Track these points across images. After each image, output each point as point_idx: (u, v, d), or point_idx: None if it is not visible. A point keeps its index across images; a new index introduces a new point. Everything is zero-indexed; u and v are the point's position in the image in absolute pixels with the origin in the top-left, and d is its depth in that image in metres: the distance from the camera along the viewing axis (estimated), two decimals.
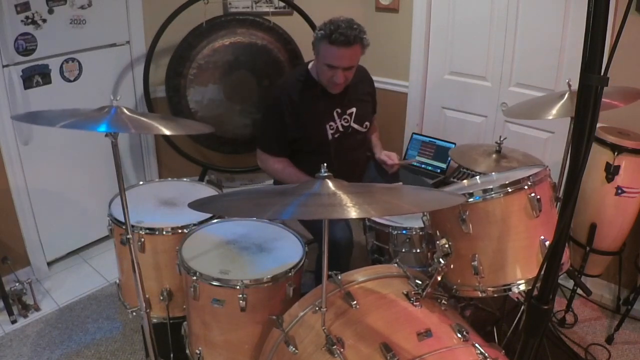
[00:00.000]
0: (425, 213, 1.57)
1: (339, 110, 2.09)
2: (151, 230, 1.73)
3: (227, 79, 2.90)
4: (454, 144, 2.76)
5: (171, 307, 1.82)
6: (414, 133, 3.01)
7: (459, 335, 1.24)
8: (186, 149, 3.04)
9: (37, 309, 2.40)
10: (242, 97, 2.97)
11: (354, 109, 2.12)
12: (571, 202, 0.92)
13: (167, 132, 1.49)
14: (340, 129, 2.10)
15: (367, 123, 2.18)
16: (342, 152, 2.11)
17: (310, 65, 2.10)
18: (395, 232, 1.87)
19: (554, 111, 1.82)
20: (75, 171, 2.73)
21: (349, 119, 2.12)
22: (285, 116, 2.01)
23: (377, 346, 1.20)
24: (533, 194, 1.39)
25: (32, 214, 2.54)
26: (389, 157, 2.18)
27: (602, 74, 0.85)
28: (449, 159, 2.75)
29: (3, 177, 2.40)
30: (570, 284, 2.41)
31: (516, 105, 2.09)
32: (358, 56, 1.95)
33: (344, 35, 1.83)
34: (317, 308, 1.34)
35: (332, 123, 2.08)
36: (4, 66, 2.29)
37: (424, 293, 1.36)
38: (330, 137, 2.09)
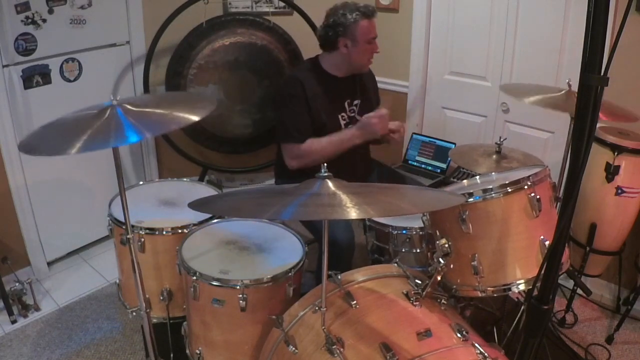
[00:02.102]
0: (425, 213, 1.57)
1: (349, 101, 2.15)
2: (151, 230, 1.73)
3: (227, 79, 2.91)
4: (454, 144, 2.76)
5: (171, 307, 1.82)
6: (414, 133, 3.01)
7: (459, 335, 1.24)
8: (186, 149, 3.04)
9: (37, 309, 2.40)
10: (242, 97, 2.97)
11: (359, 101, 2.18)
12: (571, 202, 0.92)
13: (195, 118, 1.35)
14: (348, 120, 2.14)
15: None
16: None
17: (321, 58, 2.13)
18: (395, 232, 1.87)
19: (541, 98, 1.91)
20: (75, 171, 2.73)
21: (355, 109, 2.17)
22: (307, 101, 2.03)
23: (377, 346, 1.20)
24: (533, 194, 1.39)
25: (32, 214, 2.55)
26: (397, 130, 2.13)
27: (602, 74, 0.85)
28: (449, 159, 2.75)
29: (3, 177, 2.40)
30: (570, 284, 2.41)
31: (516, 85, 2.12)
32: None
33: (370, 6, 2.03)
34: (316, 308, 1.34)
35: (343, 114, 2.13)
36: (4, 66, 2.29)
37: (424, 293, 1.36)
38: (342, 128, 2.12)
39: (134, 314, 1.85)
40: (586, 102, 0.87)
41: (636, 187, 2.04)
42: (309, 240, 2.01)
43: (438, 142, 2.87)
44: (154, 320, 1.81)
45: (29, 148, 1.29)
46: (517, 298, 2.24)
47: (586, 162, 0.89)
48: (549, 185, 1.50)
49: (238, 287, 1.46)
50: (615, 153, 2.02)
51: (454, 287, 1.50)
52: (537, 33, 2.47)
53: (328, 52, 2.10)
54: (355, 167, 2.19)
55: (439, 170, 2.82)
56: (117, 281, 1.98)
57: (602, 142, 2.06)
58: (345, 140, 2.02)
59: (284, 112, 2.06)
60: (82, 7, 2.53)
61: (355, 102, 2.17)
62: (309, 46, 2.92)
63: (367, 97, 2.23)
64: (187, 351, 1.71)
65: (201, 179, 3.07)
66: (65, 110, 1.48)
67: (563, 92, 1.94)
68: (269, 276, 1.49)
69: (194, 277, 1.50)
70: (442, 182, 2.72)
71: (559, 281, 2.43)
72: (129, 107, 1.36)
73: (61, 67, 2.54)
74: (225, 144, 3.08)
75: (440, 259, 1.36)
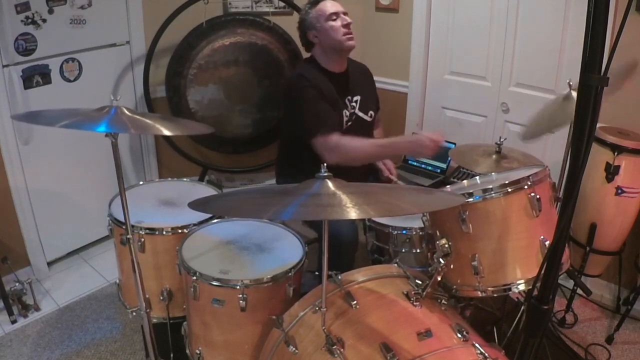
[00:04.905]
0: (425, 213, 1.57)
1: (349, 97, 2.16)
2: (151, 230, 1.73)
3: (227, 79, 2.90)
4: (454, 144, 2.76)
5: (171, 307, 1.82)
6: (414, 133, 3.01)
7: (459, 335, 1.24)
8: (186, 149, 3.03)
9: (37, 309, 2.40)
10: (242, 97, 2.97)
11: (358, 97, 2.19)
12: (571, 202, 0.92)
13: (167, 133, 1.49)
14: (348, 116, 2.16)
15: (371, 112, 2.24)
16: None
17: (316, 55, 2.16)
18: (395, 232, 1.87)
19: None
20: (75, 171, 2.73)
21: (355, 105, 2.18)
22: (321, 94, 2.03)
23: (377, 346, 1.20)
24: (533, 194, 1.39)
25: (32, 214, 2.54)
26: (388, 169, 2.26)
27: (602, 74, 0.85)
28: (449, 159, 2.75)
29: (3, 177, 2.40)
30: (570, 284, 2.41)
31: (530, 125, 2.04)
32: None
33: None
34: (317, 308, 1.34)
35: (345, 110, 2.14)
36: (4, 66, 2.29)
37: (424, 293, 1.36)
38: (344, 125, 2.13)
39: (134, 314, 1.85)
40: (586, 102, 0.87)
41: (636, 187, 2.04)
42: (309, 240, 2.01)
43: None
44: (154, 320, 1.81)
45: (23, 118, 1.55)
46: (517, 298, 2.24)
47: (586, 162, 0.89)
48: (548, 185, 1.50)
49: (238, 287, 1.46)
50: (615, 153, 2.02)
51: (454, 287, 1.50)
52: (537, 33, 2.47)
53: (313, 51, 2.16)
54: (355, 167, 2.19)
55: (439, 170, 2.82)
56: (117, 281, 1.98)
57: (602, 142, 2.06)
58: (394, 146, 1.97)
59: (303, 107, 1.98)
60: (82, 7, 2.52)
61: (355, 98, 2.18)
62: None
63: (366, 93, 2.24)
64: (187, 351, 1.71)
65: (201, 179, 3.07)
66: None
67: (566, 98, 1.86)
68: (269, 276, 1.49)
69: (194, 277, 1.50)
70: (442, 182, 2.72)
71: (559, 281, 2.43)
72: (124, 110, 1.47)
73: (61, 67, 2.54)
74: (225, 144, 3.08)
75: (440, 259, 1.37)
